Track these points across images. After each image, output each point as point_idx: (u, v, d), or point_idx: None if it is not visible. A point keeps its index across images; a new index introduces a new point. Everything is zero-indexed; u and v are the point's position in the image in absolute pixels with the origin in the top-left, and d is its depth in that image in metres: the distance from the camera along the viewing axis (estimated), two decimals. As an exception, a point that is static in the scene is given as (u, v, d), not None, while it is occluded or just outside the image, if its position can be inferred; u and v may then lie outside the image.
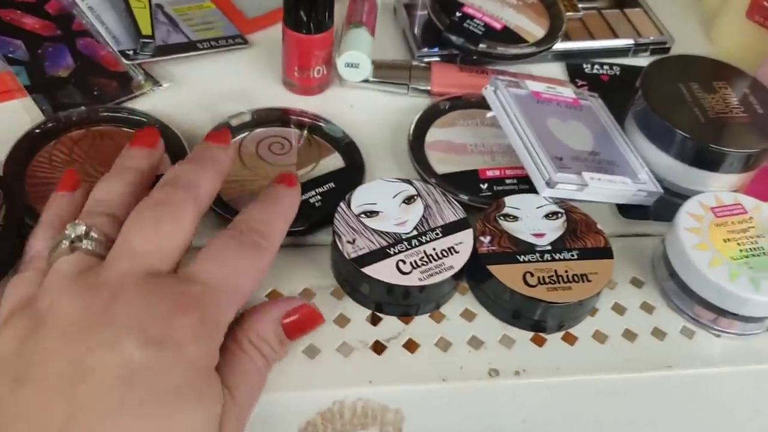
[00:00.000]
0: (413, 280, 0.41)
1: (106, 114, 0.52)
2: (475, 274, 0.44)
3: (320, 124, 0.54)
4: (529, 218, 0.46)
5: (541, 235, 0.45)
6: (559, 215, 0.46)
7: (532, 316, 0.43)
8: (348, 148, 0.53)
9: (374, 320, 0.44)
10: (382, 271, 0.42)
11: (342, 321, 0.44)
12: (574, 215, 0.47)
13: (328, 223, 0.44)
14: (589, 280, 0.43)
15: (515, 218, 0.46)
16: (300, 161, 0.51)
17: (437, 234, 0.44)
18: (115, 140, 0.50)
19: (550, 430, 0.45)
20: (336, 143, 0.53)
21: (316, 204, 0.49)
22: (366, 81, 0.58)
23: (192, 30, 0.60)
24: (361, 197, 0.46)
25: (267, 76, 0.59)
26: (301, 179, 0.50)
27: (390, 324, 0.43)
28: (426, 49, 0.62)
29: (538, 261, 0.43)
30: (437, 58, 0.62)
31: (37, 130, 0.49)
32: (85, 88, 0.54)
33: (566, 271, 0.43)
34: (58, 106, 0.52)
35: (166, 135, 0.50)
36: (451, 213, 0.45)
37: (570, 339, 0.44)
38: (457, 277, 0.42)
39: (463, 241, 0.44)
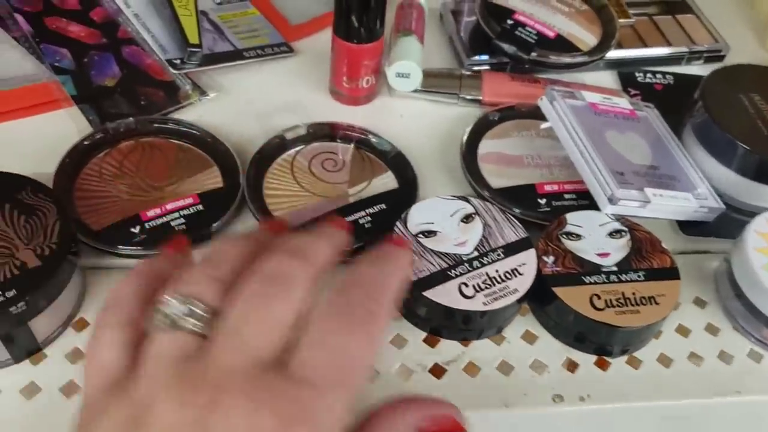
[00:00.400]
0: (477, 304, 0.40)
1: (154, 125, 0.51)
2: (539, 296, 0.43)
3: (370, 138, 0.53)
4: (593, 237, 0.44)
5: (605, 255, 0.43)
6: (623, 233, 0.45)
7: (597, 340, 0.42)
8: (398, 162, 0.51)
9: (432, 341, 0.42)
10: (444, 295, 0.40)
11: (399, 341, 0.42)
12: (638, 233, 0.45)
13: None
14: (657, 303, 0.41)
15: (578, 237, 0.44)
16: (352, 179, 0.50)
17: (499, 255, 0.43)
18: (165, 152, 0.50)
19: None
20: (385, 158, 0.52)
21: (366, 225, 0.47)
22: (415, 90, 0.57)
23: (237, 38, 0.59)
24: (418, 216, 0.44)
25: (313, 85, 0.58)
26: (353, 198, 0.49)
27: (449, 346, 0.42)
28: (476, 57, 0.61)
29: (604, 282, 0.42)
30: (487, 66, 0.61)
31: (86, 142, 0.49)
32: (132, 98, 0.53)
33: (633, 293, 0.41)
34: (105, 117, 0.51)
35: (215, 148, 0.50)
36: (512, 232, 0.44)
37: (634, 363, 0.43)
38: (521, 300, 0.41)
39: (527, 262, 0.42)
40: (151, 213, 0.46)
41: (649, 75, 0.63)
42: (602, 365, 0.42)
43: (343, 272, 0.34)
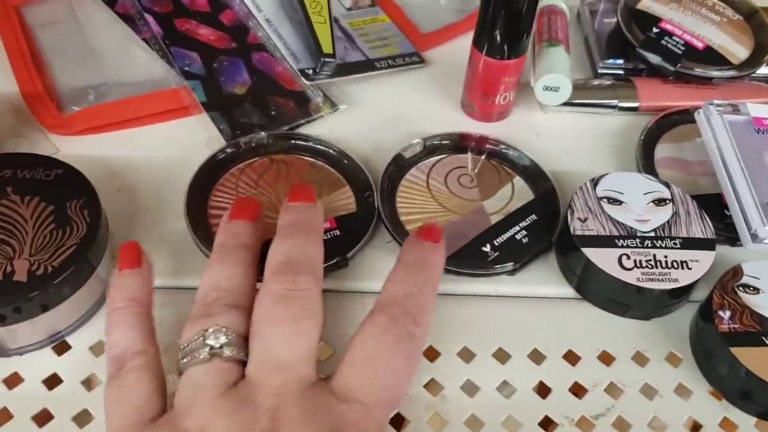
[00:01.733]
0: (631, 277, 0.40)
1: (289, 142, 0.49)
2: (710, 348, 0.40)
3: (505, 150, 0.50)
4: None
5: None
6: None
7: (765, 403, 0.38)
8: (531, 171, 0.49)
9: (579, 393, 0.40)
10: (602, 258, 0.41)
11: (543, 391, 0.40)
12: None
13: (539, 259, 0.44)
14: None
15: (756, 290, 0.40)
16: (487, 192, 0.48)
17: (675, 244, 0.42)
18: (299, 171, 0.48)
19: None
20: (520, 170, 0.49)
21: (524, 240, 0.45)
22: (566, 104, 0.54)
23: (368, 46, 0.56)
24: (611, 183, 0.45)
25: (444, 98, 0.55)
26: (495, 213, 0.47)
27: (597, 398, 0.39)
28: (610, 61, 0.57)
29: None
30: (620, 71, 0.57)
31: (219, 156, 0.47)
32: (263, 108, 0.52)
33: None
34: (236, 126, 0.50)
35: (347, 167, 0.48)
36: (700, 230, 0.43)
37: (800, 427, 0.39)
38: (677, 294, 0.40)
39: (701, 260, 0.41)
40: None
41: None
42: (762, 428, 0.39)
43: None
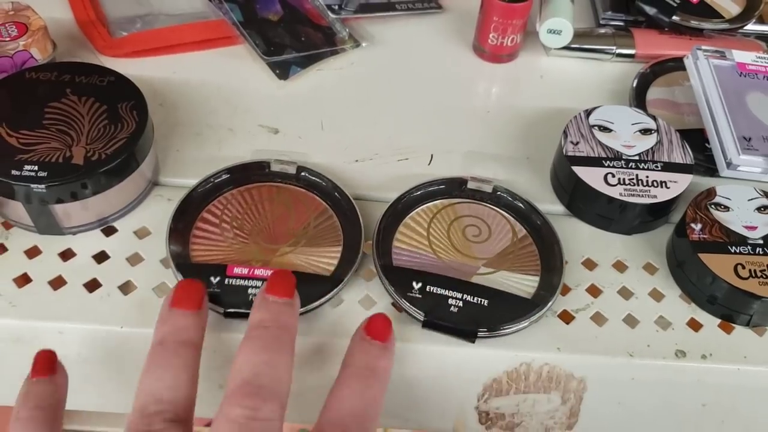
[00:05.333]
0: (614, 192, 0.45)
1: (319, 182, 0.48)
2: (683, 258, 0.45)
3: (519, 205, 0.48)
4: (741, 210, 0.46)
5: (753, 228, 0.44)
6: (771, 209, 0.46)
7: (731, 306, 0.43)
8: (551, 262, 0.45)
9: (564, 291, 0.44)
10: (590, 175, 0.46)
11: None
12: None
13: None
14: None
15: (726, 208, 0.45)
16: (492, 261, 0.45)
17: (657, 167, 0.47)
18: (306, 208, 0.46)
19: (729, 417, 0.45)
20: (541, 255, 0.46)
21: (452, 308, 0.42)
22: (569, 48, 0.59)
23: (389, -12, 0.62)
24: (603, 114, 0.50)
25: (457, 42, 0.61)
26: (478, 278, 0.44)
27: (579, 296, 0.44)
28: (610, 13, 0.62)
29: (750, 254, 0.43)
30: (620, 23, 0.62)
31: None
32: (294, 33, 0.57)
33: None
34: (270, 43, 0.56)
35: (353, 226, 0.45)
36: (680, 156, 0.48)
37: (759, 330, 0.44)
38: (654, 212, 0.46)
39: (679, 181, 0.46)
40: (238, 270, 0.42)
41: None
42: (726, 328, 0.44)
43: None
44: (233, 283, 0.42)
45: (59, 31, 0.55)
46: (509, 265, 0.44)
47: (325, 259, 0.44)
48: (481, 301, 0.42)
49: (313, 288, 0.42)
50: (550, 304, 0.42)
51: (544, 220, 0.46)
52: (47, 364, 0.37)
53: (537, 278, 0.44)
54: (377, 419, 0.35)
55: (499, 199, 0.48)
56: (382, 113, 0.54)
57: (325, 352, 0.41)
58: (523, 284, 0.44)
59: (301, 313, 0.41)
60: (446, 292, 0.42)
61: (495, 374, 0.43)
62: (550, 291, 0.43)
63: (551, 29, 0.56)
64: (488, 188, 0.48)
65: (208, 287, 0.41)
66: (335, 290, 0.42)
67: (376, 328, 0.38)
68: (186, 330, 0.36)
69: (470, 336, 0.41)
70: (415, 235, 0.45)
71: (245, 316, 0.39)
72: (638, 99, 0.55)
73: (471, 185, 0.48)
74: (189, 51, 0.57)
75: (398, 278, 0.43)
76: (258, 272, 0.42)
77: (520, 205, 0.47)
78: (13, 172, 0.41)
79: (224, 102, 0.54)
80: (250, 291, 0.41)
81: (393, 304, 0.43)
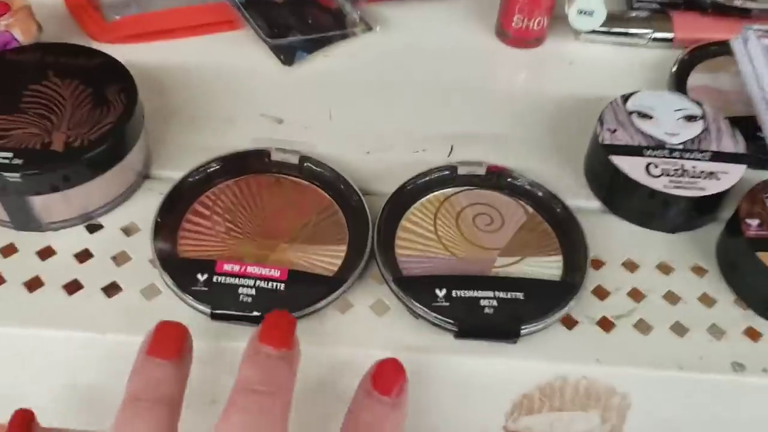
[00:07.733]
0: (658, 184, 0.41)
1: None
2: (736, 257, 0.40)
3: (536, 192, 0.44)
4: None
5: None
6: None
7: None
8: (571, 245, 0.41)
9: (602, 295, 0.40)
10: (629, 166, 0.41)
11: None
12: None
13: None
14: None
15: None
16: (508, 248, 0.41)
17: (705, 156, 0.42)
18: (309, 202, 0.42)
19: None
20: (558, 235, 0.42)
21: (486, 310, 0.38)
22: (599, 32, 0.54)
23: (406, -30, 0.58)
24: (642, 100, 0.45)
25: (478, 26, 0.56)
26: (498, 270, 0.40)
27: (619, 301, 0.40)
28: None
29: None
30: (656, 5, 0.57)
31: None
32: (300, 16, 0.53)
33: None
34: (273, 24, 0.52)
35: (359, 223, 0.41)
36: (731, 144, 0.43)
37: (825, 340, 0.39)
38: (702, 207, 0.41)
39: (730, 172, 0.41)
40: (228, 267, 0.38)
41: None
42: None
43: None
44: (222, 281, 0.37)
45: (47, 14, 0.51)
46: (530, 250, 0.40)
47: (327, 258, 0.39)
48: (515, 295, 0.37)
49: (312, 289, 0.38)
50: (584, 280, 0.39)
51: (548, 192, 0.43)
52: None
53: (560, 257, 0.40)
54: None
55: (491, 179, 0.44)
56: (397, 102, 0.50)
57: (335, 366, 0.37)
58: (549, 267, 0.40)
59: (300, 316, 0.36)
60: (476, 293, 0.37)
61: (526, 389, 0.38)
62: (579, 268, 0.39)
63: (582, 9, 0.52)
64: (481, 171, 0.43)
65: (194, 285, 0.37)
66: (337, 292, 0.38)
67: (385, 381, 0.32)
68: (163, 384, 0.31)
69: (513, 336, 0.36)
70: (419, 238, 0.41)
71: (235, 319, 0.36)
72: (678, 87, 0.50)
73: (461, 171, 0.43)
74: (187, 36, 0.53)
75: (416, 289, 0.37)
76: (251, 269, 0.38)
77: (519, 183, 0.43)
78: (-15, 159, 0.37)
79: (224, 90, 0.50)
80: (240, 291, 0.37)
81: (411, 314, 0.38)
